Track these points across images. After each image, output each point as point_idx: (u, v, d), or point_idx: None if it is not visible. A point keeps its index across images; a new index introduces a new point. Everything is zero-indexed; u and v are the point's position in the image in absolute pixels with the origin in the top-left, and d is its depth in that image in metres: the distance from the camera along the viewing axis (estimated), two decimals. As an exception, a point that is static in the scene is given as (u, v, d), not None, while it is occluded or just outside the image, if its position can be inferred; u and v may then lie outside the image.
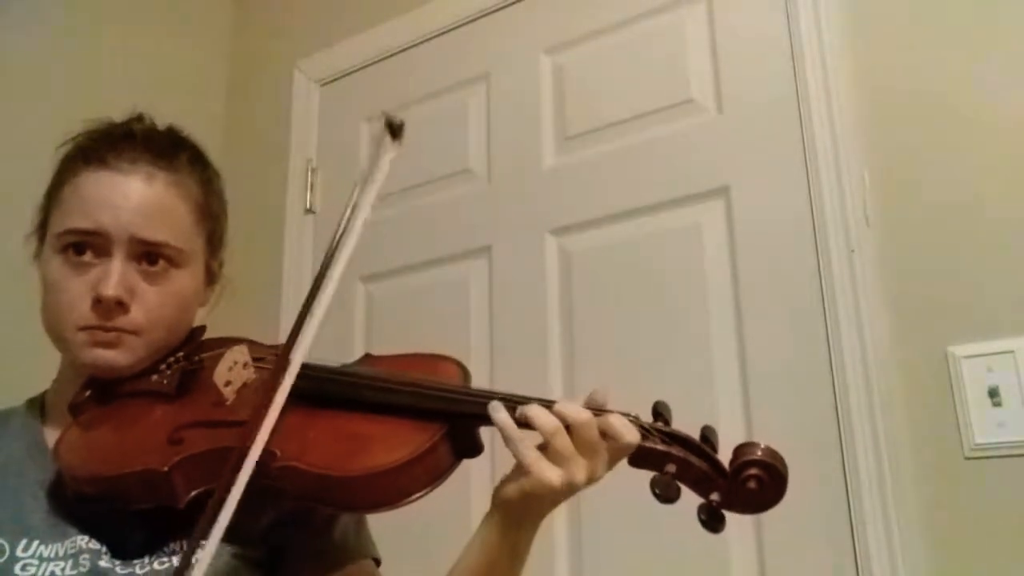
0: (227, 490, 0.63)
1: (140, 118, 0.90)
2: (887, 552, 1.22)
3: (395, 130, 0.78)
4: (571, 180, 1.68)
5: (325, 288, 0.72)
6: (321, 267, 0.73)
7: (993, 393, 1.22)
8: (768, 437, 1.43)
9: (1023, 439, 1.19)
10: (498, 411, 0.73)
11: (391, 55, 2.01)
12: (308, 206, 2.05)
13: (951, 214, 1.31)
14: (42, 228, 0.86)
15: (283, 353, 0.71)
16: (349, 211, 0.75)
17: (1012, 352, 1.22)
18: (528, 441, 0.72)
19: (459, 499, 1.40)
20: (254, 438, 0.66)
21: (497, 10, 1.86)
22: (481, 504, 0.78)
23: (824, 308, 1.35)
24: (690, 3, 1.63)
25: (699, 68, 1.59)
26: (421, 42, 1.97)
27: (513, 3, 1.84)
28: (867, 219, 1.37)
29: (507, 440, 0.72)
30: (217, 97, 2.29)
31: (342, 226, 0.74)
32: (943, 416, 1.25)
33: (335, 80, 2.11)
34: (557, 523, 1.47)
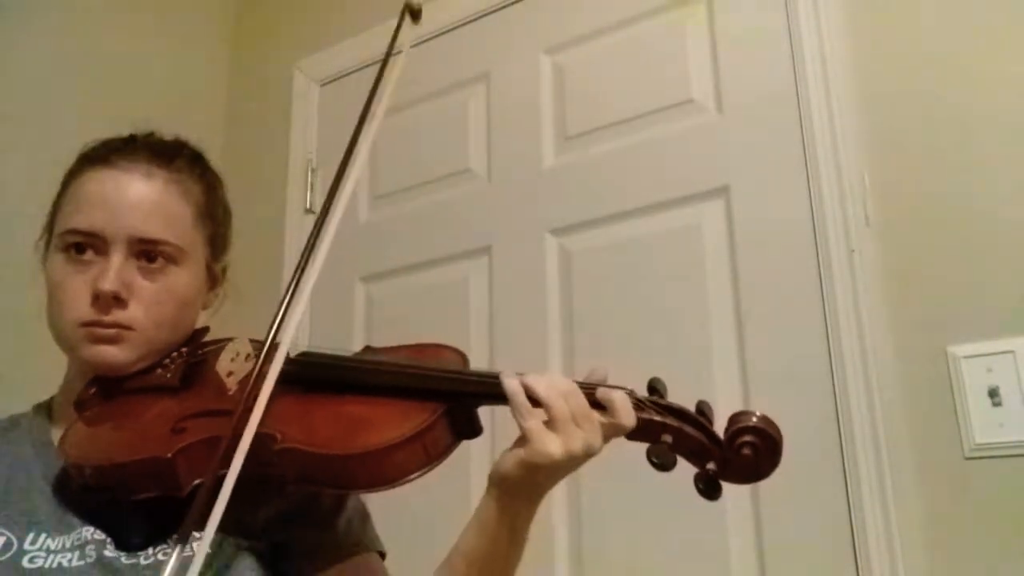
0: (220, 472, 0.64)
1: (150, 133, 0.91)
2: (887, 552, 1.22)
3: (415, 13, 0.83)
4: (571, 180, 1.68)
5: (323, 239, 0.74)
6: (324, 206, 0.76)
7: (993, 393, 1.22)
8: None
9: (1023, 439, 1.20)
10: (510, 378, 0.75)
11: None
12: (308, 206, 2.05)
13: (951, 214, 1.31)
14: (49, 230, 0.87)
15: (270, 331, 0.73)
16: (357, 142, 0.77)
17: (1012, 352, 1.22)
18: (533, 409, 0.73)
19: (459, 483, 1.40)
20: (246, 419, 0.67)
21: (497, 10, 1.87)
22: (480, 489, 0.79)
23: (824, 308, 1.35)
24: (690, 3, 1.63)
25: (699, 68, 1.59)
26: (421, 42, 1.97)
27: (513, 3, 1.84)
28: (867, 219, 1.37)
29: (513, 407, 0.74)
30: (217, 97, 2.29)
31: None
32: (943, 416, 1.25)
33: (335, 80, 2.11)
34: (558, 527, 1.46)
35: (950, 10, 1.38)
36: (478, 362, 1.63)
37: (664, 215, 1.55)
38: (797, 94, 1.46)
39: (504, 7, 1.86)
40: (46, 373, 0.90)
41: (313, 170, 2.08)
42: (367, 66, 2.05)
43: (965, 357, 1.25)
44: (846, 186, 1.38)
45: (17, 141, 1.71)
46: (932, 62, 1.37)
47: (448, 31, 1.93)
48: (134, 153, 0.85)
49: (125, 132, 0.90)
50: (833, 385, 1.31)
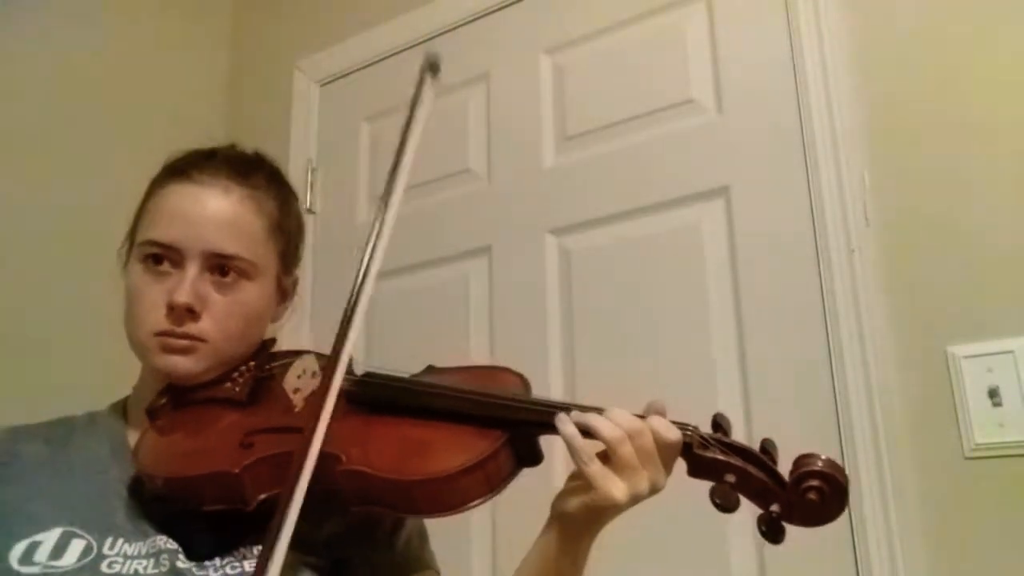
0: (292, 492, 0.64)
1: (232, 145, 0.94)
2: (887, 552, 1.22)
3: (434, 67, 0.83)
4: (571, 180, 1.68)
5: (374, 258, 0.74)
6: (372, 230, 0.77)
7: (993, 393, 1.22)
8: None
9: (1023, 439, 1.19)
10: (565, 424, 0.73)
11: (391, 55, 2.01)
12: (308, 206, 2.05)
13: (951, 214, 1.31)
14: (131, 238, 0.90)
15: (333, 354, 0.72)
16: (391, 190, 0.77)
17: (1012, 352, 1.22)
18: (593, 454, 0.72)
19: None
20: (311, 440, 0.67)
21: (497, 10, 1.87)
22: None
23: (824, 308, 1.35)
24: (690, 3, 1.63)
25: (699, 68, 1.59)
26: (421, 42, 1.97)
27: (513, 3, 1.84)
28: (867, 219, 1.37)
29: (572, 452, 0.73)
30: (217, 97, 2.28)
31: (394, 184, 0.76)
32: (943, 416, 1.25)
33: (335, 80, 2.11)
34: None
35: (950, 11, 1.38)
36: (478, 362, 1.65)
37: (664, 215, 1.55)
38: (797, 94, 1.46)
39: (504, 7, 1.86)
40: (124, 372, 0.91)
41: (313, 170, 2.08)
42: (367, 66, 2.06)
43: (965, 357, 1.25)
44: (846, 186, 1.38)
45: (17, 142, 1.70)
46: (932, 62, 1.37)
47: (448, 31, 1.93)
48: (214, 168, 0.88)
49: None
50: (833, 385, 1.32)
